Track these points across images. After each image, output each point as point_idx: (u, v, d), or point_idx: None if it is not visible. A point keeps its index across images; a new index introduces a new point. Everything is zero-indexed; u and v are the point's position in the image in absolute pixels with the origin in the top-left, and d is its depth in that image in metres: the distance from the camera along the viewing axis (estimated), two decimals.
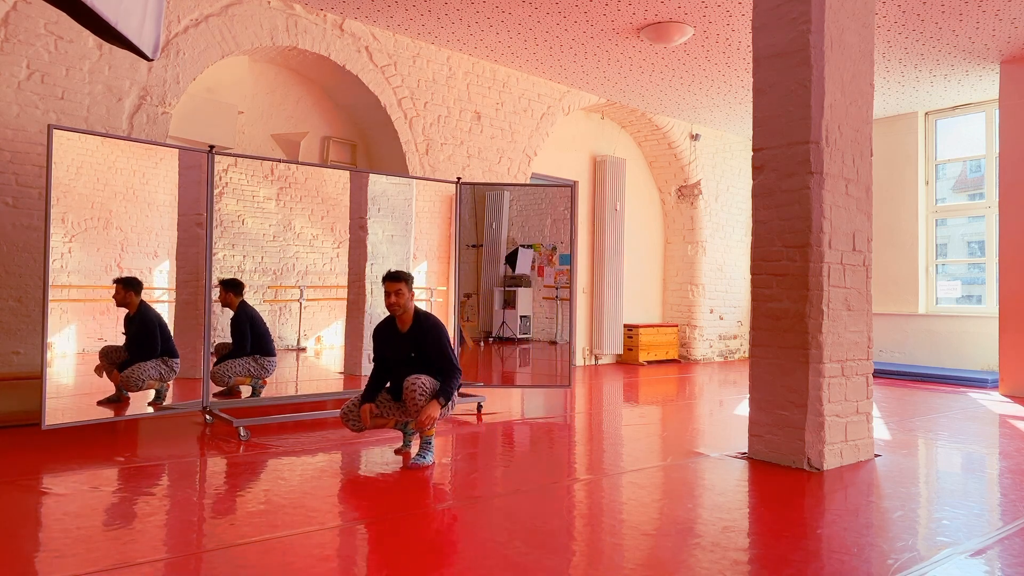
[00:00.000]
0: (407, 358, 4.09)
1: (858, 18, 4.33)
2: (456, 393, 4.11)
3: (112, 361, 4.68)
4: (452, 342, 6.08)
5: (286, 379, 5.63)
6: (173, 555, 2.67)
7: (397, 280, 4.07)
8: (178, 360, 4.89)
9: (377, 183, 6.00)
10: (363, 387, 4.27)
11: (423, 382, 3.92)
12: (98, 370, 4.63)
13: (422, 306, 6.14)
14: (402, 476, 3.80)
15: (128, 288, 4.72)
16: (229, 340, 5.18)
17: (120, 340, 4.71)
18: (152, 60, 2.73)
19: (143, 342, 4.75)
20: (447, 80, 7.44)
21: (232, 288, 5.15)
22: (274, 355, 5.36)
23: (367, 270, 5.87)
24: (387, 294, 4.09)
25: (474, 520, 3.14)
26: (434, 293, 6.28)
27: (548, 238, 6.31)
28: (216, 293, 5.08)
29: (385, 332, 4.23)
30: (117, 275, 4.73)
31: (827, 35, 4.12)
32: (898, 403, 6.78)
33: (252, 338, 5.23)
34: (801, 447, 4.06)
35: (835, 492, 3.69)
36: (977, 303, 9.27)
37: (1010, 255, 7.60)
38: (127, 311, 4.73)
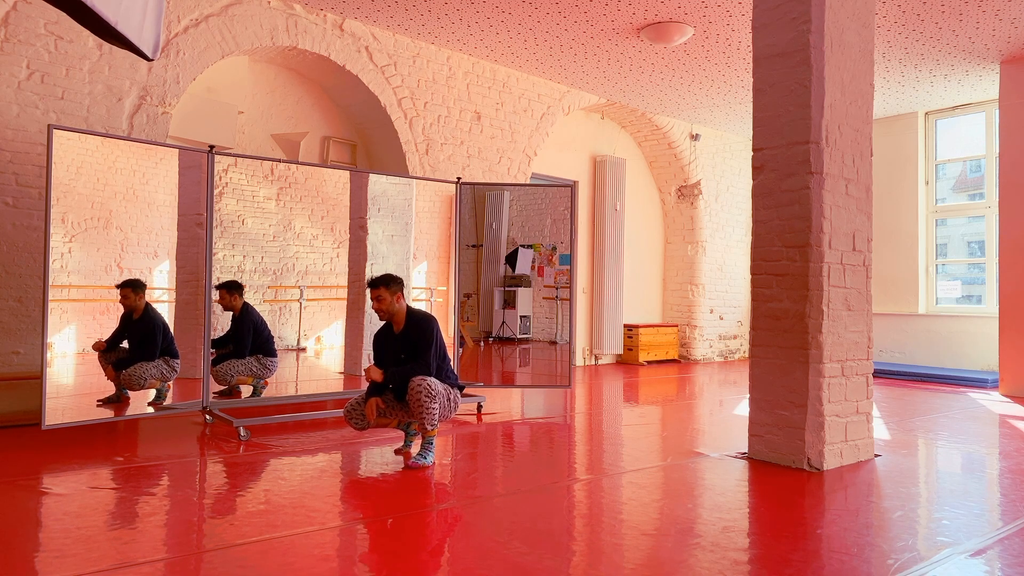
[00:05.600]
0: (398, 359, 4.10)
1: (858, 18, 4.33)
2: (448, 391, 4.10)
3: (109, 360, 4.67)
4: (451, 343, 6.10)
5: (286, 379, 5.63)
6: (173, 555, 2.67)
7: (375, 286, 4.11)
8: (179, 360, 4.89)
9: (377, 183, 6.00)
10: (364, 388, 4.26)
11: (428, 383, 3.92)
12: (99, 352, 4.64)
13: (422, 306, 6.14)
14: (403, 476, 3.80)
15: (138, 291, 4.73)
16: (222, 337, 5.15)
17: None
18: (152, 60, 2.73)
19: (144, 345, 4.75)
20: (447, 80, 7.44)
21: (236, 289, 5.14)
22: (276, 356, 5.37)
23: (367, 270, 5.86)
24: (372, 300, 4.16)
25: (474, 520, 3.14)
26: (434, 293, 6.28)
27: (548, 238, 6.31)
28: (217, 296, 5.08)
29: (382, 336, 4.26)
30: (117, 275, 4.72)
31: (827, 35, 4.12)
32: (898, 403, 6.78)
33: (256, 340, 5.24)
34: (801, 447, 4.06)
35: (835, 492, 3.69)
36: (977, 303, 9.27)
37: (1010, 255, 7.60)
38: (132, 313, 4.72)
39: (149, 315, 4.79)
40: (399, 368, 4.05)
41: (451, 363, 4.29)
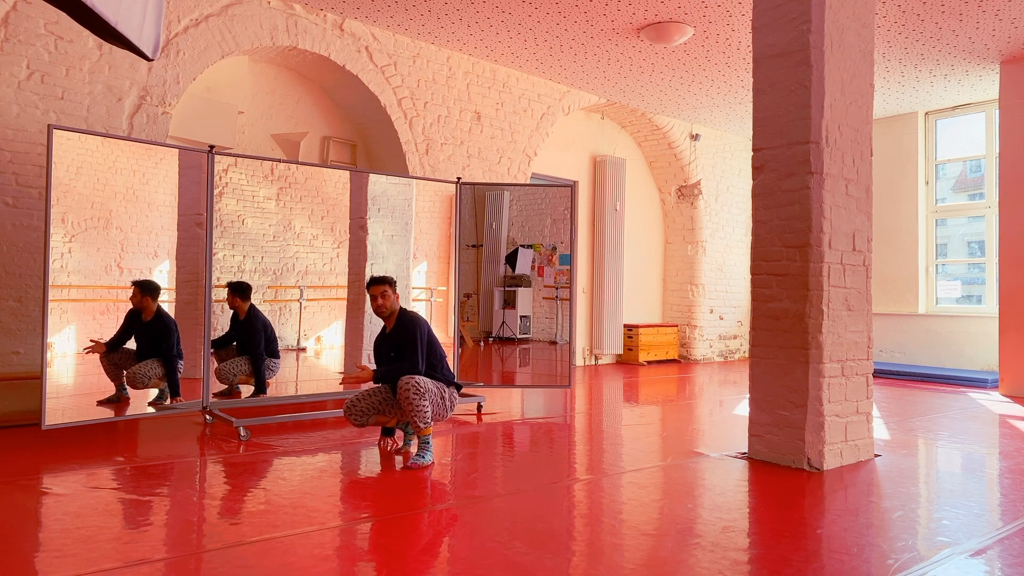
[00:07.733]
0: (389, 359, 4.18)
1: (858, 18, 4.33)
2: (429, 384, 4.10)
3: (114, 363, 4.67)
4: (451, 343, 6.10)
5: (286, 379, 5.63)
6: (173, 555, 2.67)
7: (381, 283, 4.21)
8: (182, 361, 4.90)
9: (377, 183, 6.00)
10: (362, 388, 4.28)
11: (417, 381, 3.96)
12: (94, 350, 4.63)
13: (422, 306, 6.15)
14: (402, 476, 3.80)
15: (145, 293, 4.74)
16: (222, 338, 5.15)
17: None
18: (152, 60, 2.73)
19: (162, 343, 4.76)
20: (447, 80, 7.43)
21: (239, 292, 5.14)
22: (279, 357, 5.38)
23: (367, 270, 5.86)
24: (373, 298, 4.22)
25: (474, 520, 3.14)
26: (434, 293, 6.28)
27: (548, 238, 6.31)
28: (221, 294, 5.08)
29: (379, 338, 4.36)
30: (117, 275, 4.73)
31: (827, 35, 4.12)
32: (898, 403, 6.78)
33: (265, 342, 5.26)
34: (801, 447, 4.06)
35: (835, 492, 3.69)
36: (977, 303, 9.27)
37: (1010, 255, 7.60)
38: (141, 315, 4.72)
39: (165, 317, 4.81)
40: (388, 368, 4.12)
41: (446, 362, 4.32)
